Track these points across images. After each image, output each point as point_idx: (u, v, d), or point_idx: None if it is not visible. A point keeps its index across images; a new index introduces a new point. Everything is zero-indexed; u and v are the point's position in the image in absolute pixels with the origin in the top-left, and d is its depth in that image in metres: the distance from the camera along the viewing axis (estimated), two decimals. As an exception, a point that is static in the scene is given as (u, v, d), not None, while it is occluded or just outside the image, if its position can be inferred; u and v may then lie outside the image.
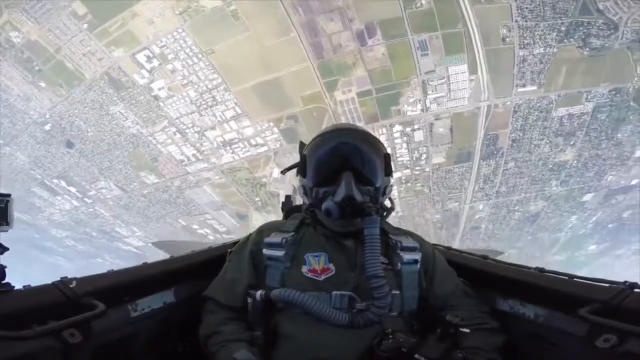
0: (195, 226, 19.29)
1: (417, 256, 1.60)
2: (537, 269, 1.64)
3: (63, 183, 17.75)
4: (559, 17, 11.50)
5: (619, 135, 14.62)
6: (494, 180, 16.25)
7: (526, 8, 11.39)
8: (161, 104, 14.13)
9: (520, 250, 21.75)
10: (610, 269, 24.60)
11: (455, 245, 19.36)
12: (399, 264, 1.57)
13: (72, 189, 18.07)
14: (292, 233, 1.63)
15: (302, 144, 1.76)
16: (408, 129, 14.32)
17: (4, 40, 12.93)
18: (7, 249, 1.20)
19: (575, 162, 15.74)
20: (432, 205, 17.56)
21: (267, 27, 12.06)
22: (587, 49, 12.11)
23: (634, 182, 16.97)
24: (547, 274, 1.59)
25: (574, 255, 23.84)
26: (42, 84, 14.01)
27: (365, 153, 1.57)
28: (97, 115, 14.71)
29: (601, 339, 1.24)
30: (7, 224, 1.20)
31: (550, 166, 15.89)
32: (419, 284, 1.60)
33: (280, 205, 2.30)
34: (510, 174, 16.02)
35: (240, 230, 18.49)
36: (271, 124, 14.49)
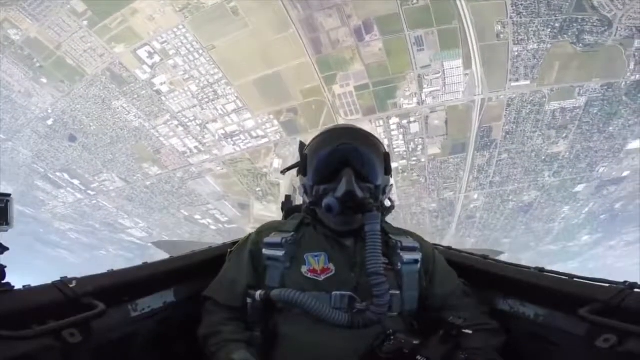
0: (197, 216, 19.59)
1: (418, 256, 1.59)
2: (537, 268, 1.64)
3: (66, 176, 17.85)
4: (554, 13, 11.56)
5: (610, 128, 14.80)
6: (488, 171, 16.49)
7: (521, 5, 11.46)
8: (163, 98, 14.25)
9: (515, 240, 22.03)
10: (603, 260, 24.85)
11: (451, 233, 19.82)
12: (399, 264, 1.56)
13: (75, 182, 18.17)
14: (292, 233, 1.63)
15: (302, 144, 1.76)
16: (404, 121, 14.56)
17: (3, 37, 12.85)
18: (7, 248, 1.19)
19: (567, 153, 15.95)
20: (428, 195, 17.78)
21: (267, 24, 12.14)
22: (581, 45, 12.20)
23: (625, 173, 17.19)
24: (547, 274, 1.59)
25: (568, 245, 24.01)
26: (44, 80, 14.05)
27: (365, 153, 1.56)
28: (99, 109, 14.78)
29: (601, 339, 1.23)
30: (7, 223, 1.19)
31: (543, 157, 16.10)
32: (419, 284, 1.59)
33: (281, 204, 2.28)
34: (504, 164, 16.26)
35: (242, 220, 18.83)
36: (271, 116, 14.70)
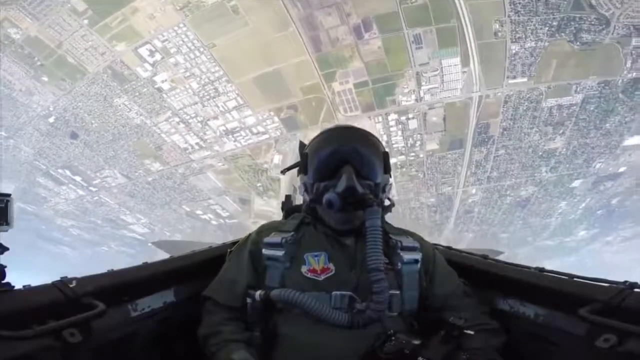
0: (199, 212, 19.72)
1: (418, 256, 1.59)
2: (537, 268, 1.63)
3: (68, 172, 17.95)
4: (551, 12, 11.65)
5: (607, 125, 14.91)
6: (485, 166, 16.60)
7: (519, 3, 11.54)
8: (164, 95, 14.38)
9: (513, 235, 22.12)
10: (600, 255, 24.93)
11: (450, 228, 19.95)
12: (399, 264, 1.56)
13: (77, 178, 18.26)
14: (292, 233, 1.62)
15: (302, 144, 1.77)
16: (403, 118, 14.72)
17: (3, 36, 12.87)
18: (7, 248, 1.18)
19: (564, 149, 16.04)
20: (426, 190, 17.89)
21: (267, 22, 12.25)
22: (578, 43, 12.29)
23: (621, 169, 17.30)
24: (547, 273, 1.58)
25: (564, 240, 24.03)
26: (45, 79, 14.13)
27: (365, 152, 1.57)
28: (101, 107, 14.90)
29: (601, 339, 1.22)
30: (7, 223, 1.19)
31: (540, 153, 16.19)
32: (419, 284, 1.59)
33: (281, 202, 2.27)
34: (501, 160, 16.36)
35: (243, 215, 18.96)
36: (272, 113, 14.84)
